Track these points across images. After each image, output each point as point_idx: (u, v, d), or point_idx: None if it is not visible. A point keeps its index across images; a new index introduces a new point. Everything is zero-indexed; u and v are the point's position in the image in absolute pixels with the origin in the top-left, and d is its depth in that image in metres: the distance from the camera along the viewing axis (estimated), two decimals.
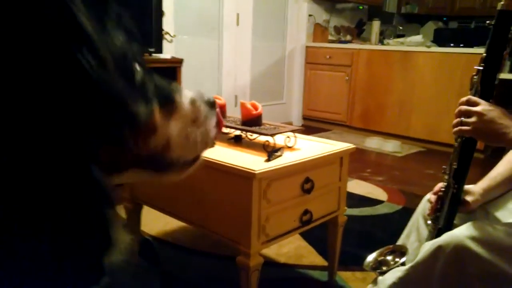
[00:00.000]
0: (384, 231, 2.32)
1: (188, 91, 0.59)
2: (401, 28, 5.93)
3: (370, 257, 1.34)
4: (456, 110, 1.14)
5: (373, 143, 4.30)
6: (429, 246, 1.12)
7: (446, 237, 1.10)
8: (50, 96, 0.37)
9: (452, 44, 4.39)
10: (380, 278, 1.25)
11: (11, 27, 0.36)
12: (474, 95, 1.13)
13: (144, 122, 0.49)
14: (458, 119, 1.12)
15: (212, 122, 0.61)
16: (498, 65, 1.12)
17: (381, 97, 4.64)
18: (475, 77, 1.15)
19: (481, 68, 1.13)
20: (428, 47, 4.37)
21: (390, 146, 4.18)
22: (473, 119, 1.09)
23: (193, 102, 0.58)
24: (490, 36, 1.12)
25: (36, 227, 0.40)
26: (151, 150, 0.52)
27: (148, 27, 2.90)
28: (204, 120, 0.59)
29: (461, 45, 4.29)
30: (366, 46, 4.90)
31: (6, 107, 0.36)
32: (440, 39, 4.76)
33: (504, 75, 3.56)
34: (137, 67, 0.50)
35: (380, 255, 1.34)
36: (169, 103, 0.55)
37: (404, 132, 4.47)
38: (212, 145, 0.62)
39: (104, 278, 0.49)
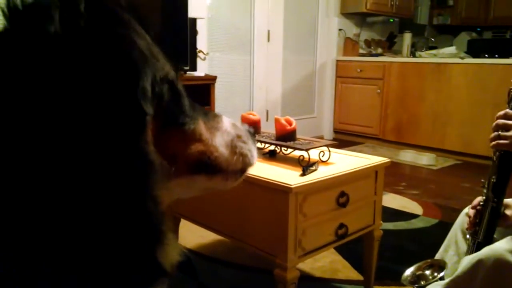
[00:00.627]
0: (420, 245, 2.29)
1: (227, 118, 0.67)
2: (433, 39, 5.88)
3: (408, 271, 1.34)
4: (494, 124, 1.14)
5: (407, 156, 4.25)
6: (469, 260, 1.11)
7: (486, 251, 1.09)
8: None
9: (486, 55, 4.32)
10: None
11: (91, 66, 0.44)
12: (511, 109, 1.13)
13: (191, 130, 0.56)
14: (496, 133, 1.13)
15: (253, 142, 0.67)
16: None
17: (414, 109, 4.59)
18: None
19: None
20: (462, 58, 4.31)
21: (425, 159, 4.12)
22: (511, 133, 1.09)
23: (234, 124, 0.65)
24: None
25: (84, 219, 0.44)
26: (201, 157, 0.59)
27: (183, 46, 3.00)
28: (246, 137, 0.65)
29: (496, 56, 4.21)
30: (398, 59, 4.88)
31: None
32: (474, 50, 4.70)
33: None
34: (181, 87, 0.57)
35: (418, 269, 1.33)
36: (212, 120, 0.62)
37: (438, 145, 4.40)
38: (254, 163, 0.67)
39: (162, 279, 0.52)
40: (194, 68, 3.23)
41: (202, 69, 3.64)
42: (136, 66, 0.46)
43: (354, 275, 1.97)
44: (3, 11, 0.46)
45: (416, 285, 1.27)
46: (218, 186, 0.63)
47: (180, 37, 2.98)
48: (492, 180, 1.18)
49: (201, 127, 0.58)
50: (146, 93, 0.47)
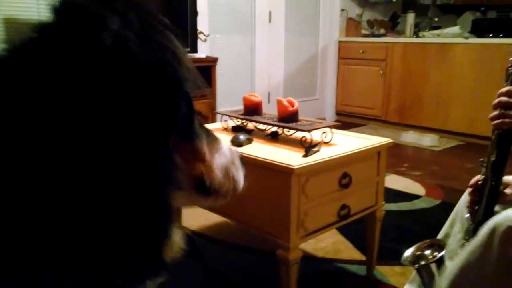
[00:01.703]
0: (423, 225, 2.30)
1: (224, 142, 0.69)
2: (436, 19, 5.79)
3: (408, 252, 1.34)
4: (495, 101, 1.12)
5: (410, 137, 4.24)
6: (485, 228, 1.08)
7: (500, 218, 1.05)
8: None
9: (491, 35, 4.26)
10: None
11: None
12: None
13: (197, 147, 0.59)
14: (498, 112, 1.11)
15: (243, 169, 0.71)
16: None
17: (417, 90, 4.56)
18: (510, 68, 1.13)
19: None
20: (466, 38, 4.26)
21: (428, 140, 4.11)
22: None
23: (230, 149, 0.69)
24: None
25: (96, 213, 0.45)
26: (201, 175, 0.62)
27: (184, 27, 2.97)
28: (238, 164, 0.70)
29: (500, 35, 4.16)
30: (401, 39, 4.83)
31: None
32: (478, 29, 4.62)
33: None
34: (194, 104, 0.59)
35: (417, 249, 1.33)
36: (213, 141, 0.65)
37: (441, 126, 4.38)
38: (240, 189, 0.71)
39: (162, 272, 0.53)
40: (195, 50, 3.20)
41: (203, 51, 3.61)
42: (181, 85, 0.50)
43: (357, 255, 1.99)
44: (52, 5, 0.47)
45: (416, 265, 1.27)
46: (207, 204, 0.67)
47: (180, 18, 2.95)
48: (492, 158, 1.17)
49: (205, 146, 0.61)
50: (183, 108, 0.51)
